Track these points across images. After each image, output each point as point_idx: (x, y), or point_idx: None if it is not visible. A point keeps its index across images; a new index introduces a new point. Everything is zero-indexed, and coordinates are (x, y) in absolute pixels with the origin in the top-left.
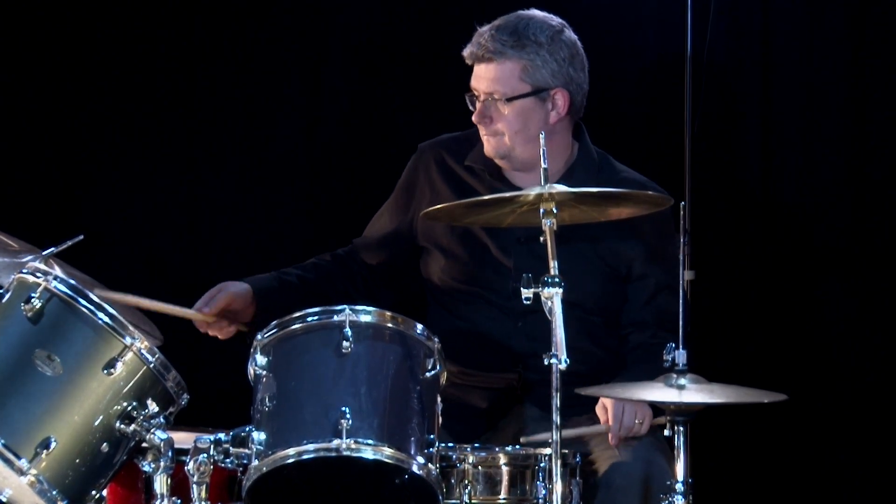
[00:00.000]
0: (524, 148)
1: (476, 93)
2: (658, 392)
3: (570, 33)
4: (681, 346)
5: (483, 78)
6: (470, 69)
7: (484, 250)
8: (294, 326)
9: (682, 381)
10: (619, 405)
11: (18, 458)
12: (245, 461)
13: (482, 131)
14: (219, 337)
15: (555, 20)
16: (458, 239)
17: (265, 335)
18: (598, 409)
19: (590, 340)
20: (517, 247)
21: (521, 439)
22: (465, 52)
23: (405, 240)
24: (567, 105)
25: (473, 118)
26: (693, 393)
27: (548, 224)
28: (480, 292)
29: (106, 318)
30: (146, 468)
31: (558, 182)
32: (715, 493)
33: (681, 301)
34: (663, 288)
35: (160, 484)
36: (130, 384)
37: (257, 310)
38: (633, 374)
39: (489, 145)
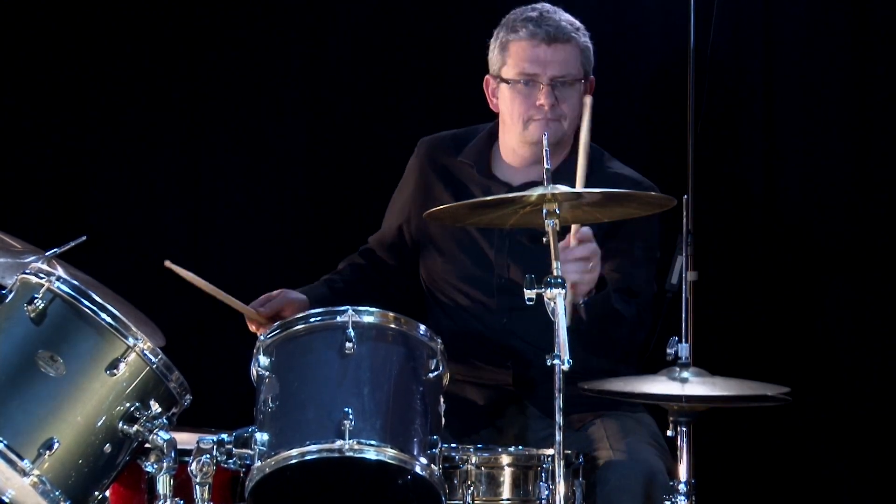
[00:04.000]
0: (570, 135)
1: (536, 77)
2: (661, 385)
3: None
4: (684, 340)
5: (553, 60)
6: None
7: (473, 246)
8: (297, 327)
9: (686, 374)
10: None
11: (21, 458)
12: (248, 462)
13: (539, 114)
14: None
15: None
16: (449, 235)
17: (268, 336)
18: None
19: (575, 340)
20: (499, 239)
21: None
22: (524, 33)
23: (407, 233)
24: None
25: (545, 102)
26: (696, 386)
27: (550, 224)
28: (469, 286)
29: (109, 319)
30: (149, 469)
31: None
32: (717, 494)
33: (683, 299)
34: (634, 268)
35: (163, 485)
36: (133, 385)
37: None
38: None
39: (547, 129)
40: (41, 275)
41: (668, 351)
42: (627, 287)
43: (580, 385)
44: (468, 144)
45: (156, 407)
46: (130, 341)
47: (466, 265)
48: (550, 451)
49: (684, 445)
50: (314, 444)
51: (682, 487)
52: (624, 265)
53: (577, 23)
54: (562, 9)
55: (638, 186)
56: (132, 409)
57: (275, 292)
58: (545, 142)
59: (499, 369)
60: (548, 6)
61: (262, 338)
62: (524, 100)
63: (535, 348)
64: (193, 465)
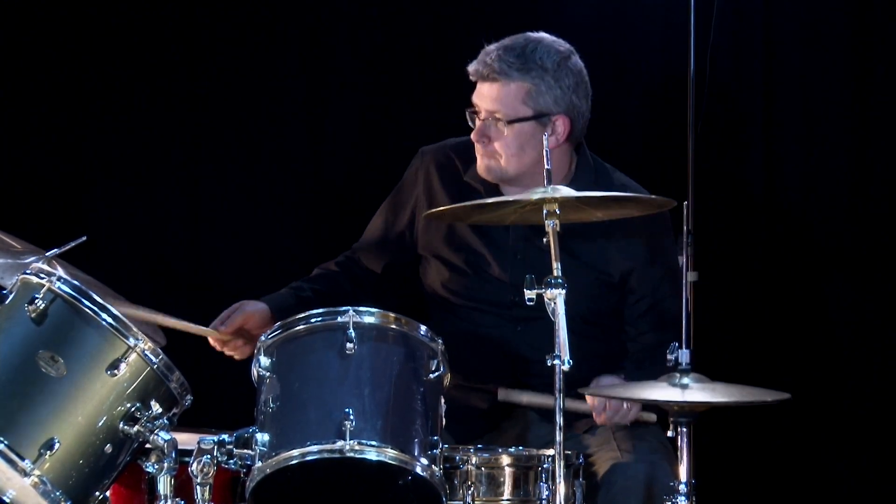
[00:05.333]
0: (518, 171)
1: (477, 109)
2: (661, 391)
3: (577, 60)
4: (684, 346)
5: (486, 97)
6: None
7: (482, 263)
8: (298, 328)
9: (686, 380)
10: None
11: (22, 459)
12: (248, 462)
13: (478, 150)
14: (234, 357)
15: (563, 45)
16: (455, 251)
17: (269, 336)
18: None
19: (585, 346)
20: (514, 263)
21: (499, 391)
22: (470, 69)
23: (404, 242)
24: (567, 132)
25: (472, 136)
26: (696, 392)
27: (551, 225)
28: (478, 304)
29: (109, 320)
30: (150, 469)
31: None
32: (718, 495)
33: (684, 301)
34: (662, 293)
35: (164, 485)
36: (134, 385)
37: None
38: (635, 375)
39: (483, 164)
40: (42, 275)
41: (669, 357)
42: (668, 318)
43: (579, 391)
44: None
45: (157, 407)
46: (131, 341)
47: (477, 286)
48: (550, 452)
49: (684, 446)
50: (315, 444)
51: (682, 488)
52: (658, 307)
53: (540, 58)
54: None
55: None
56: (133, 409)
57: (233, 306)
58: (545, 142)
59: (505, 378)
60: (520, 38)
61: (263, 338)
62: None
63: (545, 357)
64: (194, 466)
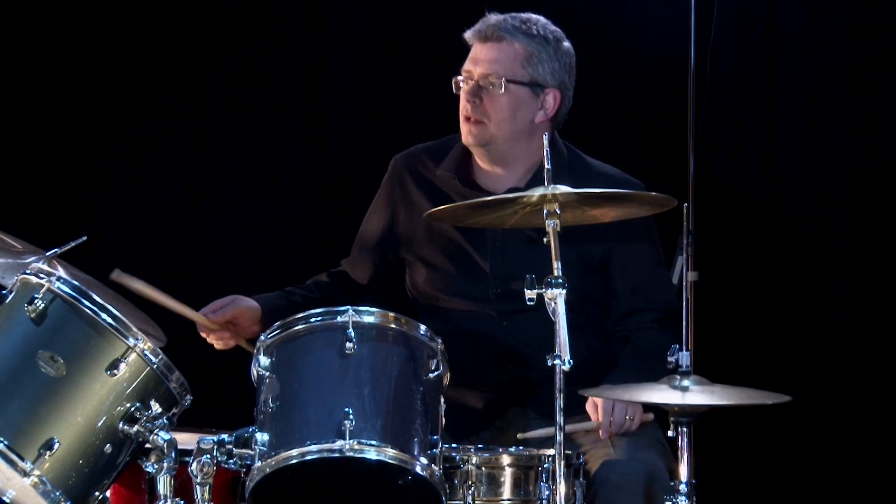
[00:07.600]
0: (505, 139)
1: (469, 75)
2: (662, 394)
3: (570, 45)
4: (685, 348)
5: (483, 59)
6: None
7: (462, 255)
8: (297, 327)
9: (686, 382)
10: (608, 401)
11: (22, 459)
12: (248, 462)
13: (465, 114)
14: (215, 346)
15: (558, 29)
16: (436, 249)
17: (269, 336)
18: (588, 406)
19: (575, 338)
20: (493, 251)
21: (519, 435)
22: (469, 33)
23: (389, 252)
24: (556, 108)
25: (463, 95)
26: (697, 395)
27: (551, 225)
28: (462, 300)
29: (109, 319)
30: (149, 469)
31: (528, 183)
32: (718, 495)
33: (684, 303)
34: (646, 268)
35: (163, 485)
36: (134, 385)
37: (264, 328)
38: (626, 372)
39: (468, 133)
40: (41, 275)
41: (669, 359)
42: (665, 311)
43: (580, 392)
44: (446, 156)
45: (156, 407)
46: (131, 341)
47: (460, 280)
48: (551, 452)
49: (685, 446)
50: (315, 444)
51: (682, 488)
52: (654, 290)
53: (541, 30)
54: (550, 12)
55: (627, 185)
56: (133, 409)
57: (226, 298)
58: (545, 142)
59: (496, 373)
60: (526, 15)
61: (262, 338)
62: (461, 99)
63: (535, 351)
64: (194, 466)
